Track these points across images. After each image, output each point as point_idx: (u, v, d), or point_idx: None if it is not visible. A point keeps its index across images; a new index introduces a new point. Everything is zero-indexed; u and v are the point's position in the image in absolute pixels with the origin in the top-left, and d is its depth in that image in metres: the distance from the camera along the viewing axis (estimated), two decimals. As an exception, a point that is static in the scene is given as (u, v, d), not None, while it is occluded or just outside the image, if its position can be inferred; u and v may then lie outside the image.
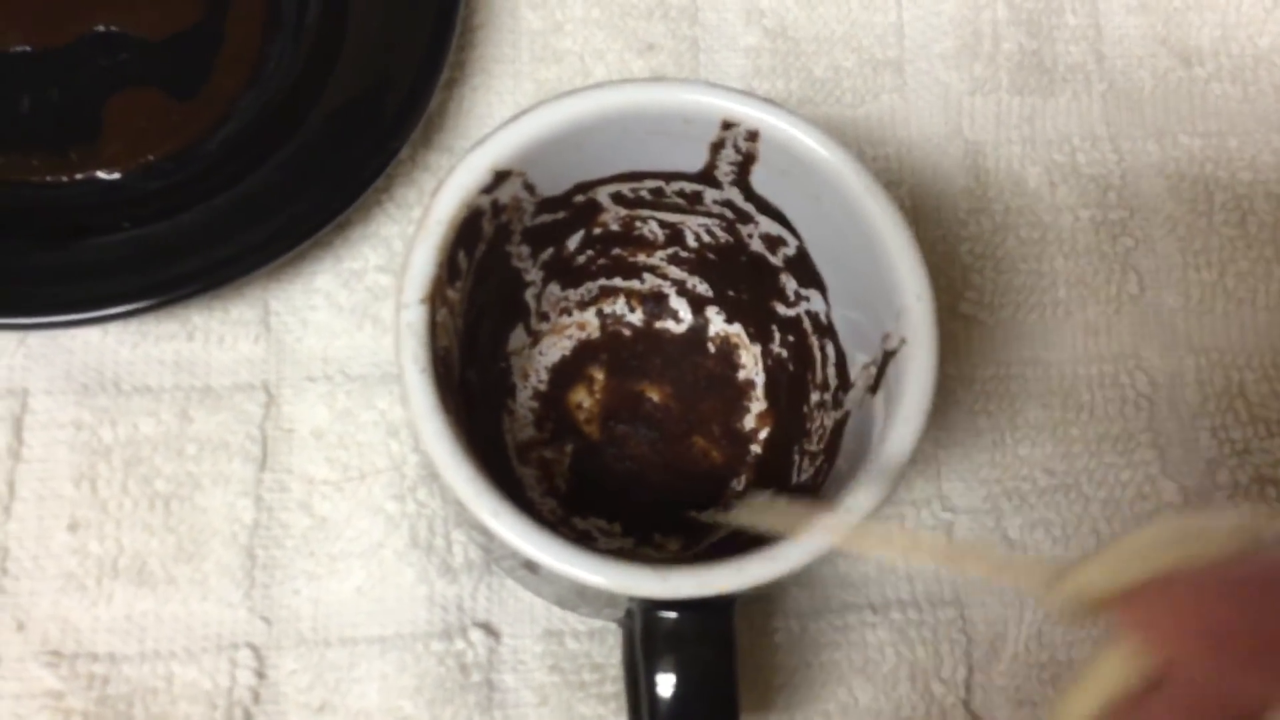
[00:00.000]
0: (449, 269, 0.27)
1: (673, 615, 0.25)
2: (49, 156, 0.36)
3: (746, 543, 0.25)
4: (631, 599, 0.25)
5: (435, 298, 0.26)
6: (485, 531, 0.25)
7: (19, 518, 0.33)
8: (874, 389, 0.28)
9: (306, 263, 0.36)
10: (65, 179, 0.36)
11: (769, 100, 0.27)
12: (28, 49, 0.37)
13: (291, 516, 0.33)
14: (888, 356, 0.27)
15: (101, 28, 0.37)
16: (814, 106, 0.40)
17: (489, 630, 0.33)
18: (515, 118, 0.27)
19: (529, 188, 0.29)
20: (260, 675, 0.32)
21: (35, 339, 0.34)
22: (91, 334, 0.35)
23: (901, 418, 0.25)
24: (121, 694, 0.31)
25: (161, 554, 0.33)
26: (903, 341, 0.26)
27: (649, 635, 0.25)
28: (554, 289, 0.34)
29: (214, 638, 0.32)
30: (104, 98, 0.36)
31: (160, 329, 0.35)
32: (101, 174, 0.36)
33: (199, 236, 0.34)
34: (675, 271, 0.34)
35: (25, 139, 0.36)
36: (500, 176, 0.27)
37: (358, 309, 0.36)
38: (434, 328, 0.26)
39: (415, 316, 0.26)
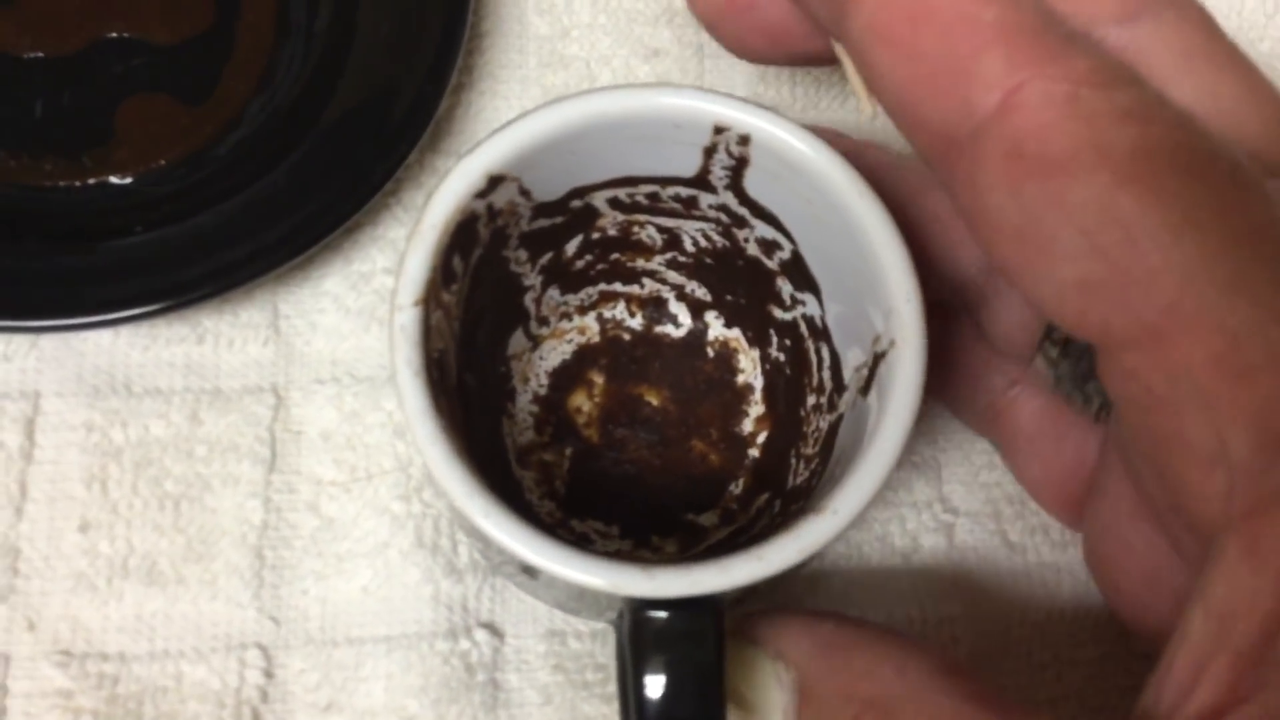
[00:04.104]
0: (443, 272, 0.27)
1: (661, 615, 0.25)
2: (61, 161, 0.36)
3: (743, 546, 0.25)
4: (621, 599, 0.26)
5: (429, 301, 0.26)
6: (477, 532, 0.25)
7: (31, 518, 0.33)
8: (865, 390, 0.28)
9: (315, 266, 0.36)
10: (77, 183, 0.36)
11: (759, 105, 0.27)
12: (41, 55, 0.37)
13: (299, 517, 0.34)
14: (878, 358, 0.27)
15: (113, 34, 0.38)
16: (818, 112, 0.40)
17: (493, 630, 0.33)
18: (508, 123, 0.27)
19: (524, 193, 0.29)
20: (268, 675, 0.32)
21: (47, 342, 0.35)
22: (103, 337, 0.35)
23: (890, 419, 0.25)
24: (131, 693, 0.32)
25: (171, 554, 0.33)
26: (892, 343, 0.26)
27: (637, 634, 0.25)
28: (553, 293, 0.34)
29: (223, 637, 0.33)
30: (116, 103, 0.37)
31: (171, 332, 0.35)
32: (113, 178, 0.36)
33: (209, 240, 0.34)
34: (674, 276, 0.34)
35: (38, 144, 0.36)
36: (494, 181, 0.27)
37: (365, 311, 0.36)
38: (428, 331, 0.26)
39: (409, 319, 0.26)
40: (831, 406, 0.30)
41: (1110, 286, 0.19)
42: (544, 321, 0.35)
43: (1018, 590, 0.35)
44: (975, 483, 0.36)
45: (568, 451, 0.34)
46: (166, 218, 0.35)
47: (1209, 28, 0.22)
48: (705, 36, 0.40)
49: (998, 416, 0.31)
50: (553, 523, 0.33)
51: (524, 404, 0.34)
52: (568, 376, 0.35)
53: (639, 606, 0.25)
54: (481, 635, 0.33)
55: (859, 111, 0.31)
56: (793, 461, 0.32)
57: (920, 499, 0.35)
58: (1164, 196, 0.18)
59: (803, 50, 0.25)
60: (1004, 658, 0.34)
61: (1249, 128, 0.21)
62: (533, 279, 0.33)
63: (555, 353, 0.35)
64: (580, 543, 0.32)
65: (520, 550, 0.24)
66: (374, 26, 0.37)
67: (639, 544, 0.33)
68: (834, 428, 0.30)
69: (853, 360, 0.29)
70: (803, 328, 0.32)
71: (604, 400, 0.34)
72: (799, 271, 0.31)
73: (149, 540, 0.33)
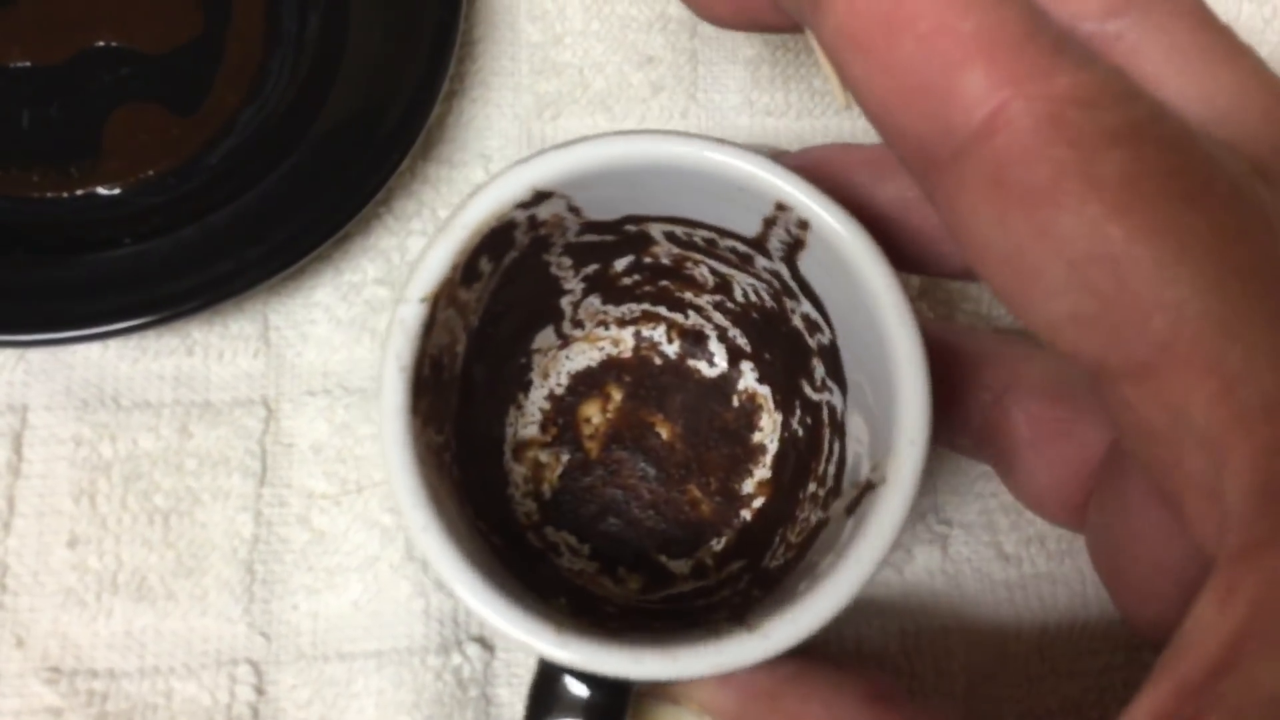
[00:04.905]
0: (465, 271, 0.26)
1: (566, 678, 0.25)
2: (49, 172, 0.36)
3: (696, 611, 0.24)
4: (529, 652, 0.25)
5: (441, 298, 0.26)
6: (424, 556, 0.24)
7: (19, 534, 0.33)
8: (849, 513, 0.27)
9: (306, 276, 0.36)
10: (66, 194, 0.36)
11: (827, 194, 0.26)
12: (28, 64, 0.37)
13: (290, 531, 0.34)
14: (867, 487, 0.26)
15: (102, 43, 0.37)
16: (813, 119, 0.40)
17: (484, 644, 0.33)
18: (566, 144, 0.26)
19: (574, 210, 0.28)
20: (259, 691, 0.32)
21: (35, 355, 0.35)
22: (92, 350, 0.35)
23: (850, 561, 0.24)
24: (121, 710, 0.32)
25: (161, 569, 0.33)
26: (883, 479, 0.25)
27: (538, 687, 0.25)
28: (594, 301, 0.33)
29: (213, 653, 0.32)
30: (104, 113, 0.37)
31: (160, 344, 0.35)
32: (102, 189, 0.36)
33: (199, 252, 0.34)
34: (719, 318, 0.34)
35: (26, 155, 0.36)
36: (541, 196, 0.26)
37: (356, 322, 0.36)
38: (431, 327, 0.26)
39: (410, 313, 0.25)
40: (825, 505, 0.29)
41: (1102, 322, 0.18)
42: (579, 324, 0.34)
43: (1013, 602, 0.35)
44: (970, 493, 0.35)
45: (564, 457, 0.34)
46: (155, 229, 0.35)
47: (1203, 18, 0.21)
48: (699, 43, 0.40)
49: (994, 430, 0.30)
50: (529, 524, 0.33)
51: (538, 398, 0.34)
52: (588, 383, 0.34)
53: (548, 664, 0.25)
54: (473, 650, 0.33)
55: (840, 106, 0.30)
56: (776, 541, 0.31)
57: (914, 510, 0.35)
58: (1156, 228, 0.17)
59: (772, 22, 0.23)
60: (1000, 671, 0.34)
61: (1248, 128, 0.20)
62: (574, 284, 0.32)
63: (583, 356, 0.34)
64: (548, 552, 0.32)
65: (448, 577, 0.24)
66: (365, 34, 0.37)
67: (604, 570, 0.32)
68: (818, 528, 0.29)
69: (851, 474, 0.28)
70: (825, 413, 0.31)
71: (615, 418, 0.34)
72: (833, 362, 0.29)
73: (138, 555, 0.33)
